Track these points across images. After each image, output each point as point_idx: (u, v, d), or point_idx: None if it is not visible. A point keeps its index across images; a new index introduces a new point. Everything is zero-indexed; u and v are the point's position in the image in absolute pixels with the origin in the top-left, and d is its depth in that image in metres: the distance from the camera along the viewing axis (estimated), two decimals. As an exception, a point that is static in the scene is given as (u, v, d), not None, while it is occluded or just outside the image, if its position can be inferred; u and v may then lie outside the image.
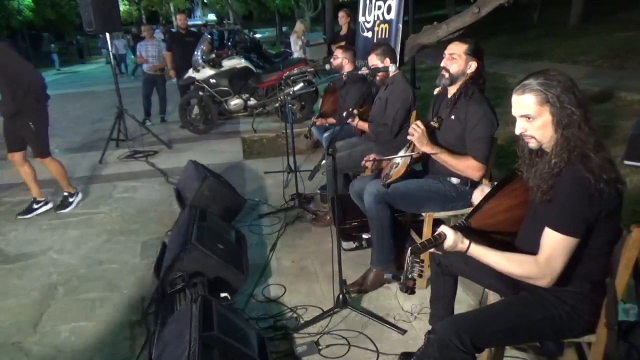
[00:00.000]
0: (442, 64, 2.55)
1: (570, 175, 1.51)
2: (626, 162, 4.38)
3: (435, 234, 1.70)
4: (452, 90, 2.56)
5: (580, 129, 1.52)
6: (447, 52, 2.55)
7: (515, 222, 1.80)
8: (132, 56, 15.45)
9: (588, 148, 1.51)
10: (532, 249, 1.59)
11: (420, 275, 1.63)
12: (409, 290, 1.61)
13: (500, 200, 1.87)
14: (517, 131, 1.64)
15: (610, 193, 1.48)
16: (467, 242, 1.64)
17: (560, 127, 1.54)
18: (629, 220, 1.66)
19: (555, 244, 1.53)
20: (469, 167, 2.50)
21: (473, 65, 2.48)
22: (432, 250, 1.67)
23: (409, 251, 1.61)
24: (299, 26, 9.31)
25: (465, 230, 1.85)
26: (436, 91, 2.66)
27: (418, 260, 1.61)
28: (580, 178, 1.48)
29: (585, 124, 1.53)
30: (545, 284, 1.56)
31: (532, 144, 1.63)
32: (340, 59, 4.05)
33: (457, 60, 2.50)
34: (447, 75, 2.53)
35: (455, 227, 1.76)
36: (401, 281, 1.65)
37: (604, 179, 1.46)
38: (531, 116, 1.58)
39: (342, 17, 7.27)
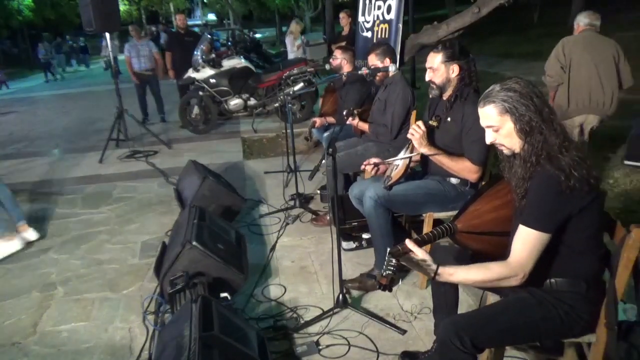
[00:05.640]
0: (426, 79, 2.59)
1: (541, 175, 1.54)
2: (626, 162, 4.39)
3: (423, 233, 1.71)
4: (447, 94, 2.58)
5: (542, 134, 1.56)
6: (427, 65, 2.58)
7: (502, 221, 1.81)
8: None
9: (554, 150, 1.54)
10: None
11: (394, 273, 1.61)
12: (382, 287, 1.61)
13: (486, 201, 1.90)
14: (487, 141, 1.69)
15: (582, 189, 1.50)
16: (434, 265, 1.59)
17: (523, 133, 1.59)
18: (629, 220, 1.66)
19: (526, 240, 1.55)
20: (466, 169, 2.50)
21: (455, 69, 2.49)
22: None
23: (388, 250, 1.61)
24: (294, 27, 9.29)
25: (452, 232, 1.86)
26: (431, 95, 2.67)
27: (393, 260, 1.60)
28: (549, 176, 1.51)
29: (548, 128, 1.56)
30: (518, 282, 1.57)
31: (505, 151, 1.68)
32: (340, 59, 4.05)
33: (437, 71, 2.52)
34: (434, 87, 2.57)
35: (441, 229, 1.77)
36: (375, 279, 1.64)
37: (575, 176, 1.49)
38: (495, 127, 1.64)
39: (344, 18, 7.28)
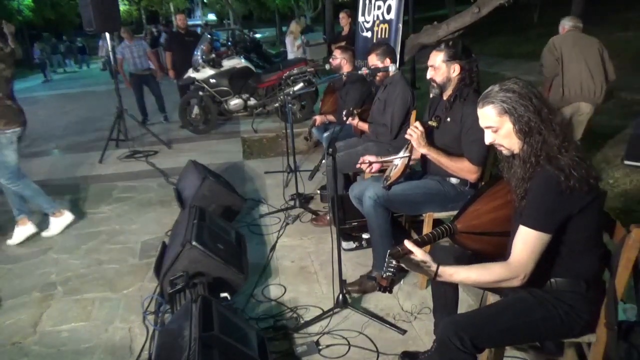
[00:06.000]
0: (427, 77, 2.61)
1: (541, 175, 1.55)
2: (626, 162, 4.39)
3: (423, 234, 1.72)
4: (447, 93, 2.58)
5: (541, 134, 1.56)
6: (428, 64, 2.59)
7: (501, 221, 1.82)
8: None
9: (553, 150, 1.54)
10: None
11: (392, 275, 1.61)
12: (382, 288, 1.61)
13: (485, 202, 1.90)
14: (487, 141, 1.70)
15: (582, 189, 1.50)
16: (435, 265, 1.60)
17: (522, 134, 1.59)
18: (629, 220, 1.66)
19: (527, 240, 1.55)
20: (464, 169, 2.51)
21: (456, 68, 2.50)
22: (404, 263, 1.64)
23: (388, 252, 1.62)
24: (294, 27, 9.30)
25: (452, 233, 1.86)
26: (432, 93, 2.68)
27: (393, 261, 1.60)
28: (549, 176, 1.52)
29: (547, 128, 1.56)
30: (519, 283, 1.57)
31: (505, 152, 1.68)
32: (339, 59, 4.05)
33: (438, 69, 2.54)
34: (435, 85, 2.58)
35: (441, 230, 1.77)
36: (375, 280, 1.63)
37: (575, 176, 1.49)
38: (494, 127, 1.64)
39: (343, 18, 7.28)
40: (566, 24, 4.30)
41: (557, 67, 4.11)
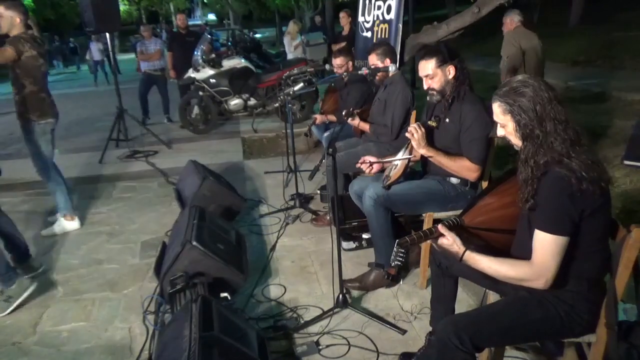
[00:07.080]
0: (425, 87, 2.59)
1: (551, 177, 1.54)
2: (626, 162, 4.39)
3: (429, 227, 1.75)
4: (445, 95, 2.58)
5: (540, 139, 1.57)
6: (421, 75, 2.57)
7: (508, 219, 1.81)
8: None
9: (558, 156, 1.54)
10: (527, 257, 1.60)
11: (401, 264, 1.66)
12: (389, 276, 1.64)
13: (494, 198, 1.89)
14: (498, 134, 1.73)
15: (595, 192, 1.50)
16: (463, 248, 1.68)
17: (522, 136, 1.62)
18: (629, 220, 1.66)
19: (545, 245, 1.54)
20: (465, 168, 2.51)
21: (451, 69, 2.50)
22: (427, 242, 1.70)
23: (396, 242, 1.63)
24: (292, 27, 9.32)
25: (458, 227, 1.86)
26: (433, 100, 2.68)
27: (402, 250, 1.64)
28: (559, 178, 1.51)
29: (549, 135, 1.56)
30: (541, 286, 1.56)
31: (515, 147, 1.71)
32: (345, 66, 4.01)
33: (434, 76, 2.52)
34: (435, 93, 2.56)
35: (447, 224, 1.78)
36: (384, 268, 1.67)
37: (585, 178, 1.49)
38: (501, 123, 1.68)
39: (344, 18, 7.29)
40: (515, 18, 4.83)
41: (520, 57, 4.74)
